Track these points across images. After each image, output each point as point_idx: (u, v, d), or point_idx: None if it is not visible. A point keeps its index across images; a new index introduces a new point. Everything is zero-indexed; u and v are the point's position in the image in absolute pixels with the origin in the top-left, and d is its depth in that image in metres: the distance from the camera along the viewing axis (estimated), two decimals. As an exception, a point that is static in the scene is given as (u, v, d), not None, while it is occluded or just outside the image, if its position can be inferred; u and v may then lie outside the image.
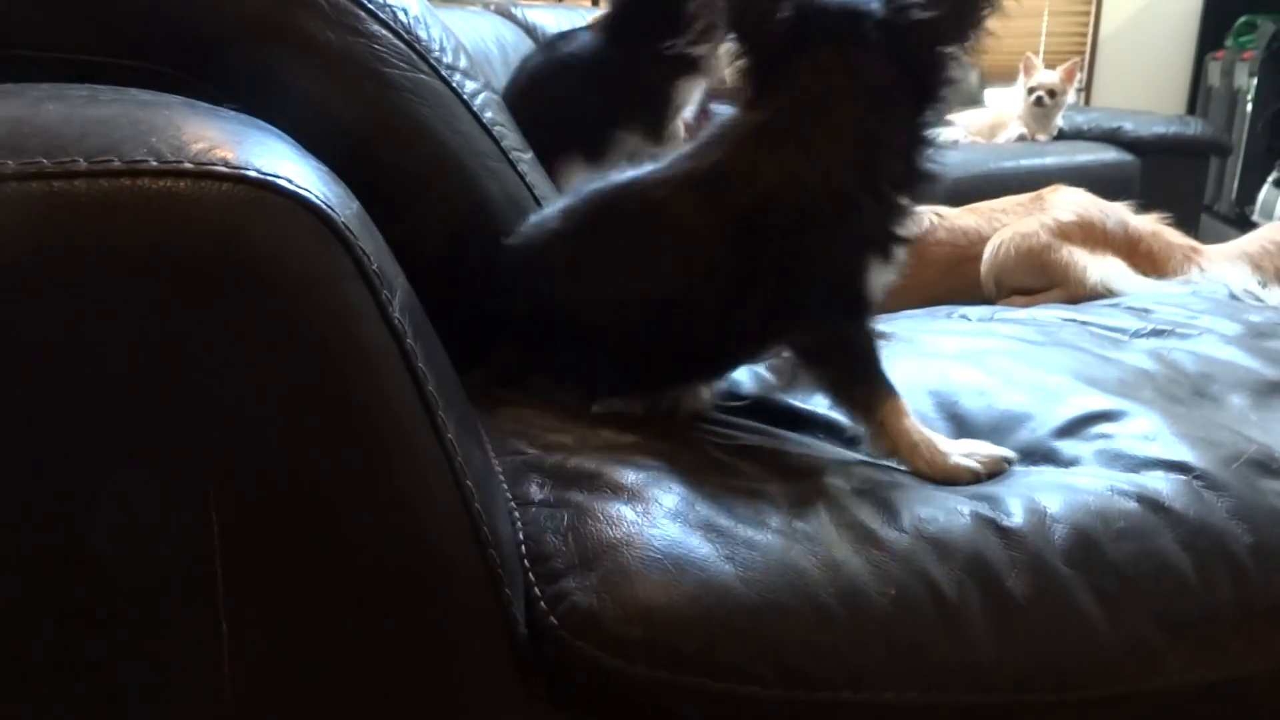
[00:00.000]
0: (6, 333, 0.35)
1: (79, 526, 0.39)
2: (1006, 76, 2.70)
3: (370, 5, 0.75)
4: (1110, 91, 3.41)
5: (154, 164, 0.38)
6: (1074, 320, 0.86)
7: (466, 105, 0.80)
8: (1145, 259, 1.04)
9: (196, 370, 0.38)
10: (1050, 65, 2.56)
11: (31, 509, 0.38)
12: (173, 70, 0.67)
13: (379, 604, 0.43)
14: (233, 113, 0.51)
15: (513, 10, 2.59)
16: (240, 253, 0.38)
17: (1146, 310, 0.89)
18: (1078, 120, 2.70)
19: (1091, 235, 1.02)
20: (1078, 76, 2.49)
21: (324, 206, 0.40)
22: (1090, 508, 0.57)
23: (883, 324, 0.91)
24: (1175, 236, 1.08)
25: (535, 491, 0.57)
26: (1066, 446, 0.66)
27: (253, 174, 0.39)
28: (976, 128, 2.63)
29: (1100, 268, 1.00)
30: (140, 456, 0.39)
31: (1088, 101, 3.42)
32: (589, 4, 3.05)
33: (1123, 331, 0.83)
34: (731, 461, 0.63)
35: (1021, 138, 2.54)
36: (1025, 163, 2.38)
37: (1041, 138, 2.52)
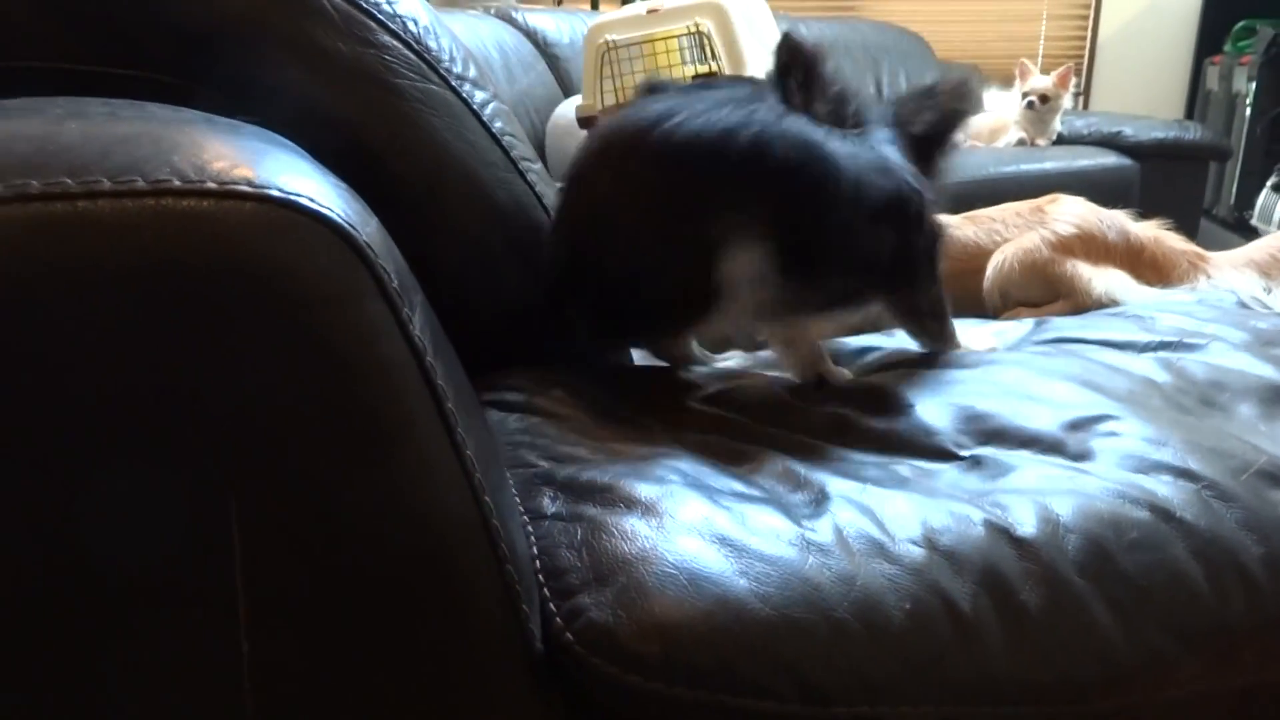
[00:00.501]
0: (33, 351, 0.35)
1: (99, 540, 0.39)
2: (1007, 80, 2.71)
3: (380, 16, 0.75)
4: (1109, 95, 3.42)
5: (177, 184, 0.38)
6: (1081, 334, 0.86)
7: (476, 115, 0.80)
8: (1149, 267, 1.04)
9: (220, 388, 0.38)
10: (1049, 69, 2.57)
11: (49, 521, 0.38)
12: (182, 81, 0.67)
13: (398, 620, 0.44)
14: (250, 127, 0.51)
15: (514, 15, 2.60)
16: (264, 272, 0.38)
17: (1153, 319, 0.89)
18: (1077, 125, 2.71)
19: (1093, 247, 1.02)
20: (1073, 81, 2.51)
21: (345, 225, 0.41)
22: (1103, 516, 0.57)
23: (889, 338, 0.92)
24: (1178, 242, 1.08)
25: (548, 505, 0.57)
26: (1075, 440, 0.66)
27: (275, 193, 0.39)
28: (976, 131, 2.64)
29: (1104, 279, 1.00)
30: (163, 471, 0.39)
31: (1086, 105, 3.43)
32: (588, 8, 3.05)
33: (1130, 345, 0.83)
34: (743, 473, 0.63)
35: (1021, 142, 2.54)
36: (1025, 167, 2.39)
37: (1041, 142, 2.53)
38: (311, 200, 0.40)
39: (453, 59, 0.81)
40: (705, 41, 2.07)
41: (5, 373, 0.35)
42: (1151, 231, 1.08)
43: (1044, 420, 0.68)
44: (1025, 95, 2.49)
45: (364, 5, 0.74)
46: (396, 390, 0.42)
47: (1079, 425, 0.67)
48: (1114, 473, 0.61)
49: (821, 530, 0.55)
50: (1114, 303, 0.99)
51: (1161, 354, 0.81)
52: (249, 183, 0.39)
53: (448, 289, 0.66)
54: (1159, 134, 2.60)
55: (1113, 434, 0.65)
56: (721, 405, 0.76)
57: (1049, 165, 2.42)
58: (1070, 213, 1.06)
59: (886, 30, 3.09)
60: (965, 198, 2.28)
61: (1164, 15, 3.35)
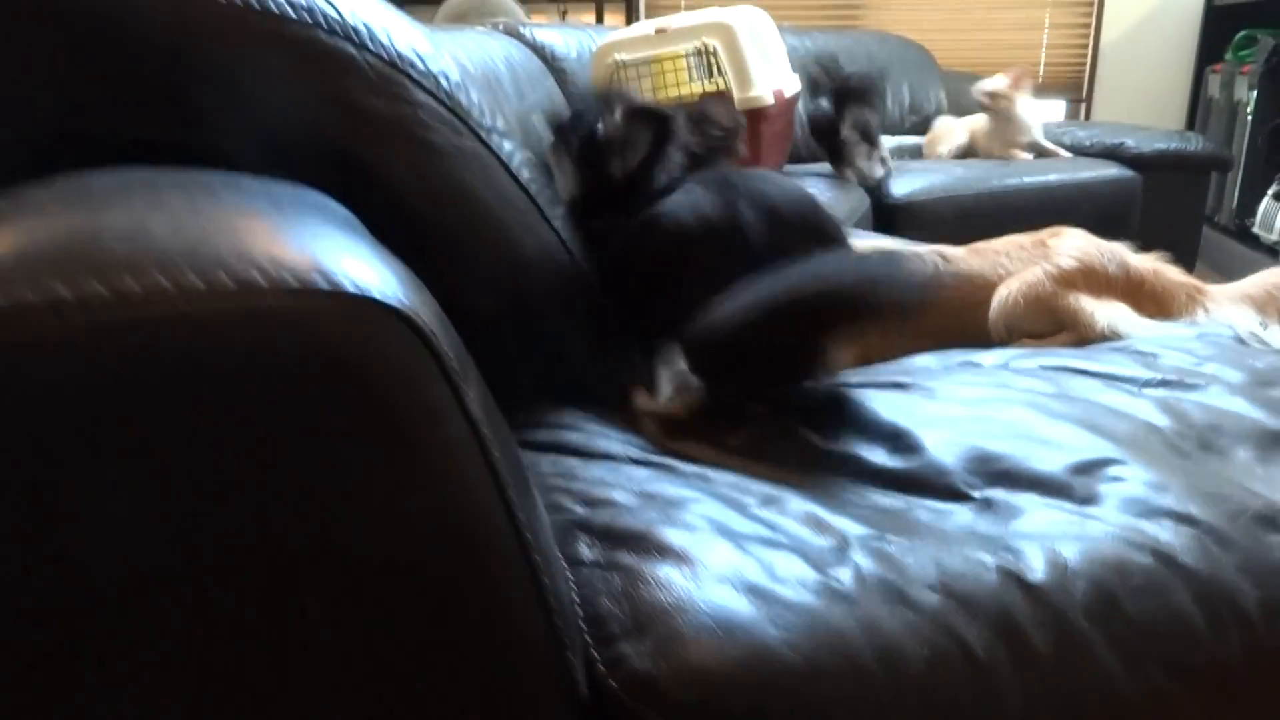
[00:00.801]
0: (142, 440, 0.39)
1: (173, 598, 0.42)
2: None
3: (414, 74, 0.78)
4: (1110, 103, 3.45)
5: (261, 283, 0.41)
6: (1084, 369, 0.90)
7: (505, 166, 0.84)
8: (1150, 300, 1.07)
9: (302, 468, 0.42)
10: (1051, 78, 2.62)
11: (128, 579, 0.42)
12: (225, 141, 0.70)
13: (463, 675, 0.47)
14: (308, 197, 0.54)
15: (521, 30, 2.63)
16: (342, 361, 0.42)
17: (1154, 356, 0.93)
18: (1079, 136, 2.74)
19: (1095, 280, 1.06)
20: (1028, 83, 2.57)
21: (412, 315, 0.44)
22: (1108, 562, 0.61)
23: (897, 372, 0.95)
24: (1177, 275, 1.12)
25: (585, 552, 0.61)
26: (1080, 484, 0.69)
27: (348, 287, 0.43)
28: (974, 137, 2.71)
29: (1107, 312, 1.04)
30: (247, 541, 0.42)
31: (1088, 115, 3.46)
32: (595, 22, 3.08)
33: (1132, 381, 0.86)
34: (768, 517, 0.67)
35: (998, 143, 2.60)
36: (1029, 180, 2.42)
37: (1014, 135, 2.59)
38: (381, 292, 0.44)
39: (482, 111, 0.84)
40: (712, 60, 2.10)
41: (121, 461, 0.39)
42: (1150, 264, 1.11)
43: (1051, 463, 0.72)
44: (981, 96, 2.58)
45: (398, 65, 0.77)
46: (460, 466, 0.45)
47: (1084, 469, 0.70)
48: (1118, 517, 0.65)
49: (844, 577, 0.58)
50: (1116, 335, 1.02)
51: (1161, 393, 0.84)
52: (324, 276, 0.43)
53: (478, 333, 0.69)
54: (1161, 145, 2.63)
55: (1117, 479, 0.69)
56: (745, 445, 0.80)
57: (1053, 177, 2.46)
58: (1072, 246, 1.09)
59: (890, 41, 3.12)
60: (972, 209, 2.34)
61: (1165, 24, 3.38)
